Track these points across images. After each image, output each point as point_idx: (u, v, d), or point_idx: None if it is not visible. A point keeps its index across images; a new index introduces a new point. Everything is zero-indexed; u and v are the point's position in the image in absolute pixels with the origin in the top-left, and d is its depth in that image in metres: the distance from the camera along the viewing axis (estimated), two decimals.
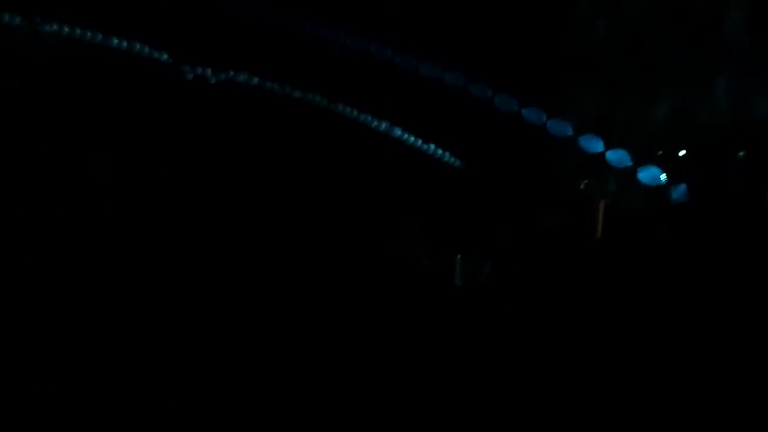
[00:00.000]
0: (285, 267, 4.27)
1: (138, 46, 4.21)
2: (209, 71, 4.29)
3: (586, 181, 4.50)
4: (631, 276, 4.39)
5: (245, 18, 4.31)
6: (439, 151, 4.55)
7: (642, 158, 4.40)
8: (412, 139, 4.53)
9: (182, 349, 3.93)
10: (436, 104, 4.45)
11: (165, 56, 4.25)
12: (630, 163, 4.41)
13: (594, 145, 4.40)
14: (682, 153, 4.44)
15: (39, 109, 4.26)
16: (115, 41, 4.20)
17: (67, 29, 4.11)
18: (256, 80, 4.38)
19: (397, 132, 4.51)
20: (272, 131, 4.42)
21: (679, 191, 4.39)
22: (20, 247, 4.01)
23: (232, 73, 4.33)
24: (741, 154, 4.33)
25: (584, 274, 4.43)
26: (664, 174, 4.39)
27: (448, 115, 4.49)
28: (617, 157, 4.41)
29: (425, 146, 4.54)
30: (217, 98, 4.34)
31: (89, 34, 4.16)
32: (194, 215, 4.27)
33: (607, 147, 4.40)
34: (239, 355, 3.94)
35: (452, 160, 4.56)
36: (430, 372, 4.15)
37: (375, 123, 4.44)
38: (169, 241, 4.15)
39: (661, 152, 4.41)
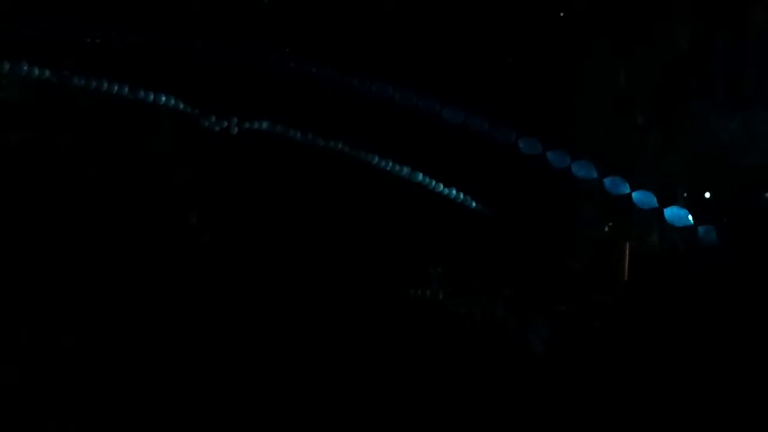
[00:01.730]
0: (306, 314, 4.27)
1: (158, 98, 4.26)
2: (233, 122, 4.33)
3: (611, 223, 4.48)
4: (659, 318, 4.35)
5: (267, 67, 4.36)
6: (461, 195, 4.55)
7: (668, 199, 4.37)
8: (434, 183, 4.53)
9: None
10: (458, 148, 4.46)
11: (188, 108, 4.31)
12: (656, 205, 4.38)
13: (619, 186, 4.37)
14: (707, 194, 4.40)
15: (62, 160, 4.33)
16: (138, 93, 4.26)
17: (94, 82, 4.18)
18: (278, 128, 4.42)
19: (419, 177, 4.52)
20: (295, 178, 4.44)
21: (706, 232, 4.35)
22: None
23: (255, 123, 4.37)
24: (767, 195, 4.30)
25: (611, 317, 4.39)
26: (691, 215, 4.35)
27: (471, 159, 4.49)
28: (643, 198, 4.38)
29: (447, 190, 4.54)
30: (241, 148, 4.38)
31: (112, 86, 4.23)
32: (217, 260, 4.30)
33: (633, 188, 4.37)
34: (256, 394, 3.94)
35: (474, 203, 4.55)
36: (455, 415, 4.12)
37: (397, 168, 4.46)
38: (191, 300, 4.18)
39: (686, 193, 4.39)
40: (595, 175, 4.40)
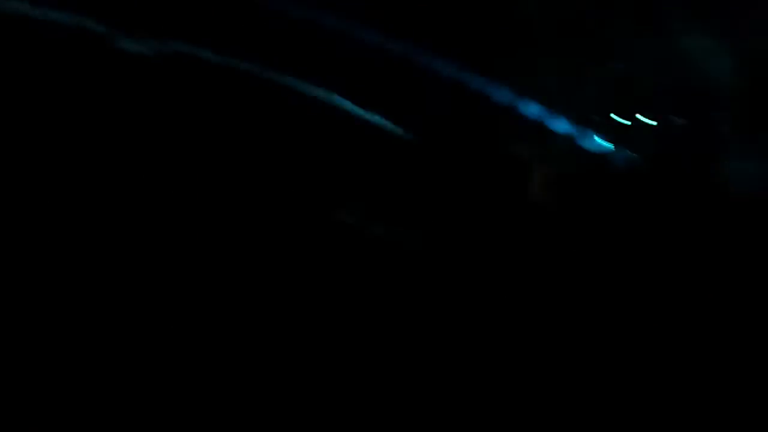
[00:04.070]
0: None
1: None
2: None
3: (526, 146, 4.49)
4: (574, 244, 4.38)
5: None
6: (379, 119, 4.54)
7: (583, 124, 4.39)
8: (354, 107, 4.52)
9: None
10: (375, 72, 4.44)
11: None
12: (571, 129, 4.40)
13: (533, 110, 4.39)
14: (619, 117, 4.43)
15: None
16: None
17: None
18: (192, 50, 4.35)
19: (340, 101, 4.50)
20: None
21: (620, 157, 4.38)
22: None
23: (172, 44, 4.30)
24: (679, 120, 4.32)
25: (522, 241, 4.42)
26: (605, 140, 4.38)
27: (388, 82, 4.47)
28: (558, 123, 4.40)
29: (367, 114, 4.53)
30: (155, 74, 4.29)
31: None
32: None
33: (548, 113, 4.39)
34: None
35: (393, 127, 4.55)
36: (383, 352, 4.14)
37: (316, 91, 4.43)
38: None
39: (599, 118, 4.40)
40: (510, 98, 4.41)
